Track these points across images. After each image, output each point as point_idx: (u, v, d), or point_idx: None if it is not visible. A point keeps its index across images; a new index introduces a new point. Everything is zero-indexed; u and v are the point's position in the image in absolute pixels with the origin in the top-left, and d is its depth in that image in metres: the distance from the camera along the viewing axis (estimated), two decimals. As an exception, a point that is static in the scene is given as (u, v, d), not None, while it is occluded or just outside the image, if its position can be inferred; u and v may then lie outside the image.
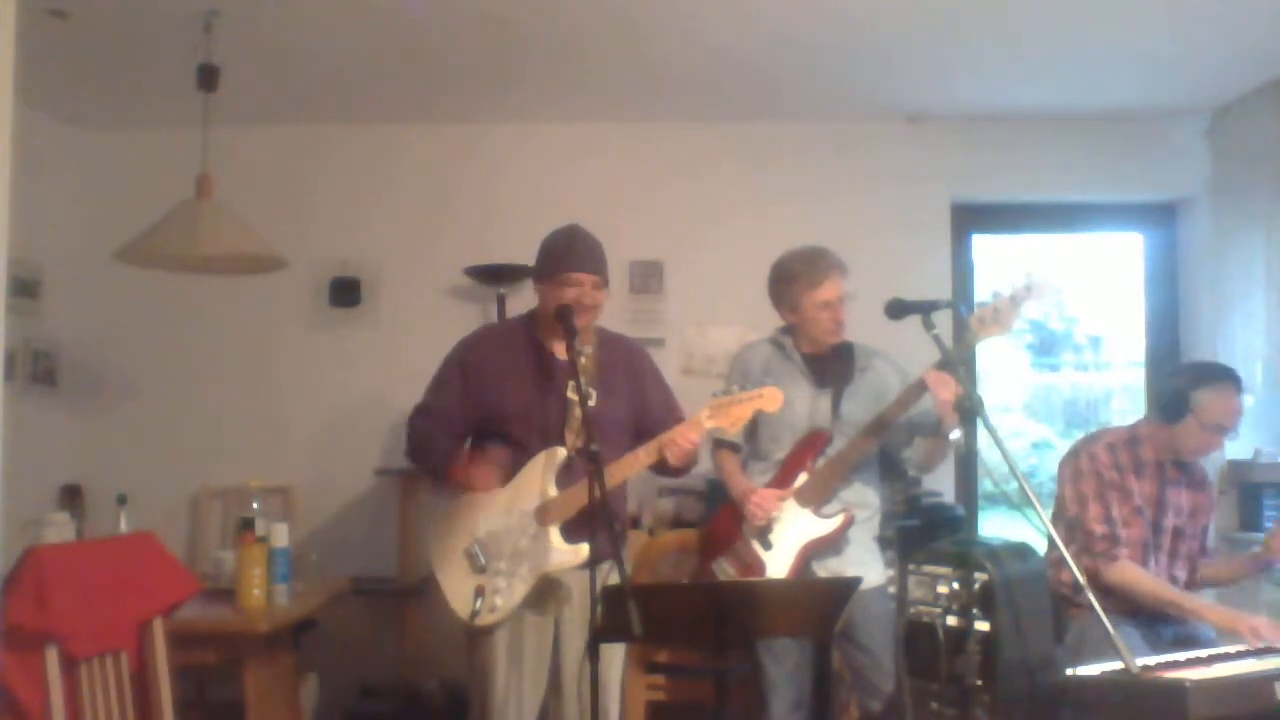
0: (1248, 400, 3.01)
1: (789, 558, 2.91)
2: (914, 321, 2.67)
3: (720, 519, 3.10)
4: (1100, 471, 2.92)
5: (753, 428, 3.03)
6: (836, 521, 2.92)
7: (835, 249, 3.16)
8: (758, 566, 2.93)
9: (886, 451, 3.09)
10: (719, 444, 3.10)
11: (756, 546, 2.95)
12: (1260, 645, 2.56)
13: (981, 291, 4.83)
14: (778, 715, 2.96)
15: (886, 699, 2.87)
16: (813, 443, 2.97)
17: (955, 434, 2.73)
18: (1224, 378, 2.93)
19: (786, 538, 2.93)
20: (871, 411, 2.91)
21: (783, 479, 2.98)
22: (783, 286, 3.06)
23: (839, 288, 2.99)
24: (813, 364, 3.06)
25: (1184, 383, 2.93)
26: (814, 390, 3.02)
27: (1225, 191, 4.38)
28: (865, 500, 3.02)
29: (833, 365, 3.06)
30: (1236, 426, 2.90)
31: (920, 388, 2.77)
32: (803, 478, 2.95)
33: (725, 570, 3.00)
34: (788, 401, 2.95)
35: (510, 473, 2.70)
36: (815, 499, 2.93)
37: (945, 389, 2.68)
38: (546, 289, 2.74)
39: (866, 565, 2.94)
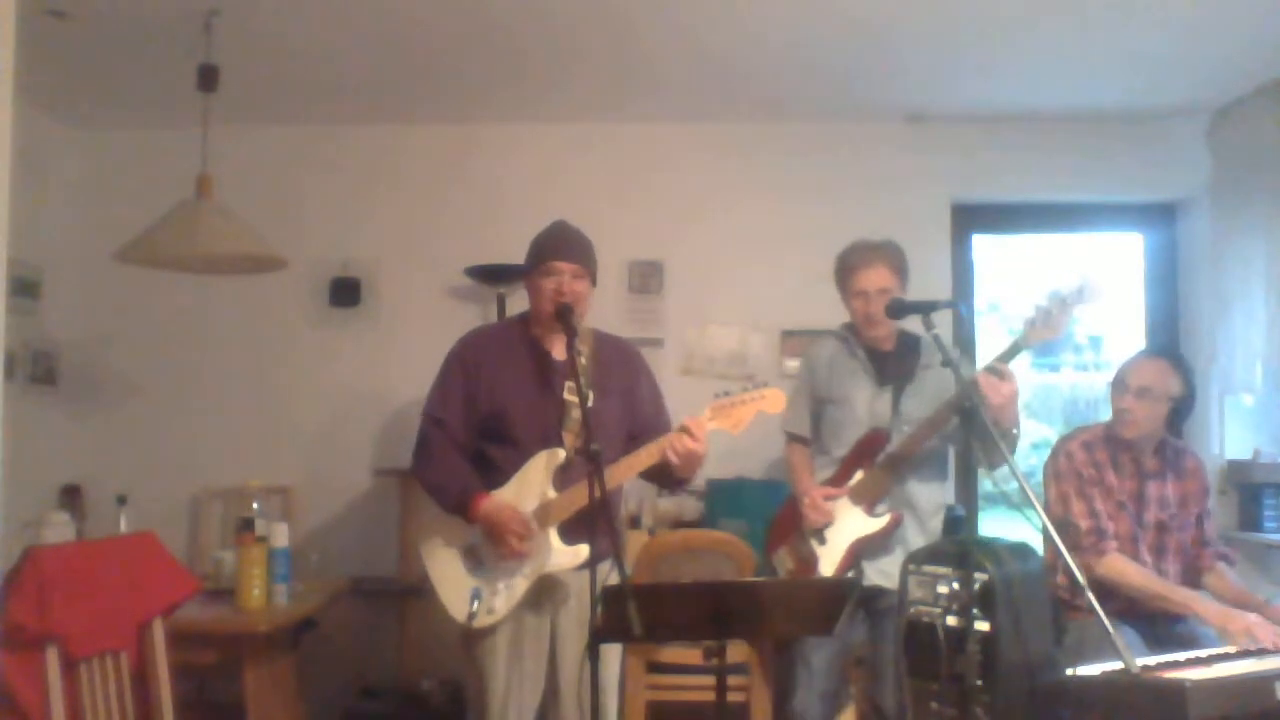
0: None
1: (839, 554, 2.96)
2: (913, 321, 2.68)
3: (785, 511, 3.15)
4: (1078, 469, 2.94)
5: (816, 423, 3.09)
6: (883, 521, 2.95)
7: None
8: (812, 561, 2.99)
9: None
10: (791, 437, 3.17)
11: (812, 541, 3.00)
12: (1253, 647, 2.55)
13: (982, 291, 4.83)
14: (802, 702, 2.98)
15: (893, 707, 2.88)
16: (871, 442, 2.99)
17: (1015, 430, 2.72)
18: (1148, 350, 3.04)
19: (838, 535, 2.98)
20: (932, 409, 2.90)
21: (840, 477, 3.02)
22: (836, 275, 3.13)
23: (877, 279, 3.00)
24: (876, 360, 3.07)
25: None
26: (875, 388, 3.04)
27: (1225, 191, 4.38)
28: (918, 502, 3.01)
29: (895, 362, 3.07)
30: (1146, 388, 2.89)
31: (951, 408, 2.78)
32: (859, 476, 2.98)
33: (783, 562, 3.08)
34: (849, 398, 3.00)
35: (509, 473, 2.69)
36: (868, 497, 2.96)
37: (995, 392, 2.67)
38: (531, 282, 2.74)
39: None
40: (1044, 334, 2.69)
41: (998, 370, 2.69)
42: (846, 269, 3.06)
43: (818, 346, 3.19)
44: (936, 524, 3.03)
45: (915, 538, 2.98)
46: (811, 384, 3.10)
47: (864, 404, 3.01)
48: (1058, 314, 2.66)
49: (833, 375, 3.06)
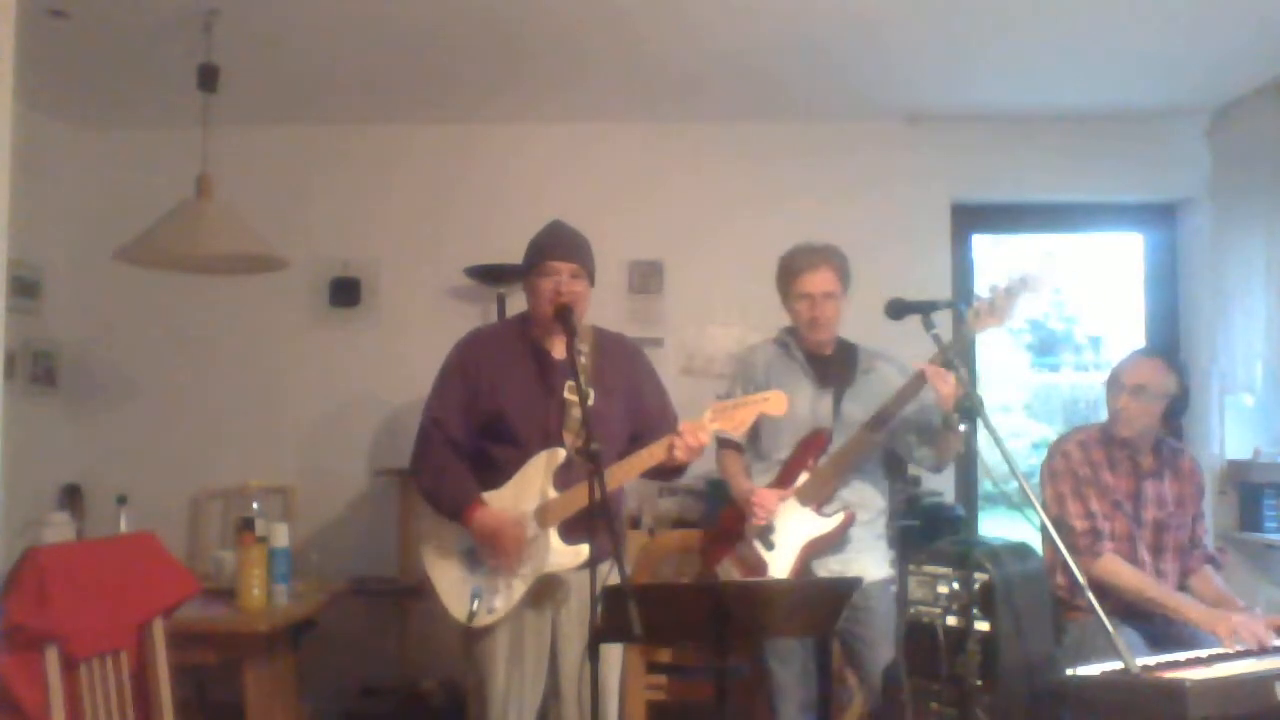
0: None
1: (791, 557, 2.91)
2: (914, 321, 2.67)
3: (723, 520, 3.09)
4: (1074, 469, 2.94)
5: (755, 428, 3.01)
6: (837, 520, 2.92)
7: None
8: (760, 567, 2.93)
9: (893, 452, 3.09)
10: (723, 444, 3.08)
11: (759, 547, 2.95)
12: (1239, 647, 2.55)
13: (982, 291, 4.83)
14: (786, 717, 2.96)
15: (880, 685, 2.88)
16: (813, 442, 2.97)
17: (963, 426, 2.72)
18: (1142, 350, 3.05)
19: (788, 537, 2.93)
20: (873, 413, 2.90)
21: (784, 479, 2.97)
22: (778, 278, 3.09)
23: (822, 282, 2.98)
24: (815, 364, 3.06)
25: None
26: (815, 390, 3.02)
27: (1225, 191, 4.38)
28: (868, 499, 3.01)
29: (835, 365, 3.06)
30: (1141, 386, 2.90)
31: (919, 381, 2.77)
32: (804, 477, 2.95)
33: (729, 571, 2.99)
34: (790, 401, 2.95)
35: (510, 473, 2.69)
36: (816, 497, 2.93)
37: (944, 383, 2.68)
38: (529, 283, 2.74)
39: (868, 562, 2.94)
40: (988, 321, 2.69)
41: (947, 361, 2.69)
42: (791, 272, 3.02)
43: (754, 352, 3.15)
44: (880, 524, 3.05)
45: (864, 536, 2.97)
46: (747, 389, 3.01)
47: (805, 406, 2.98)
48: (1001, 302, 2.67)
49: (771, 378, 3.00)
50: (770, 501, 2.91)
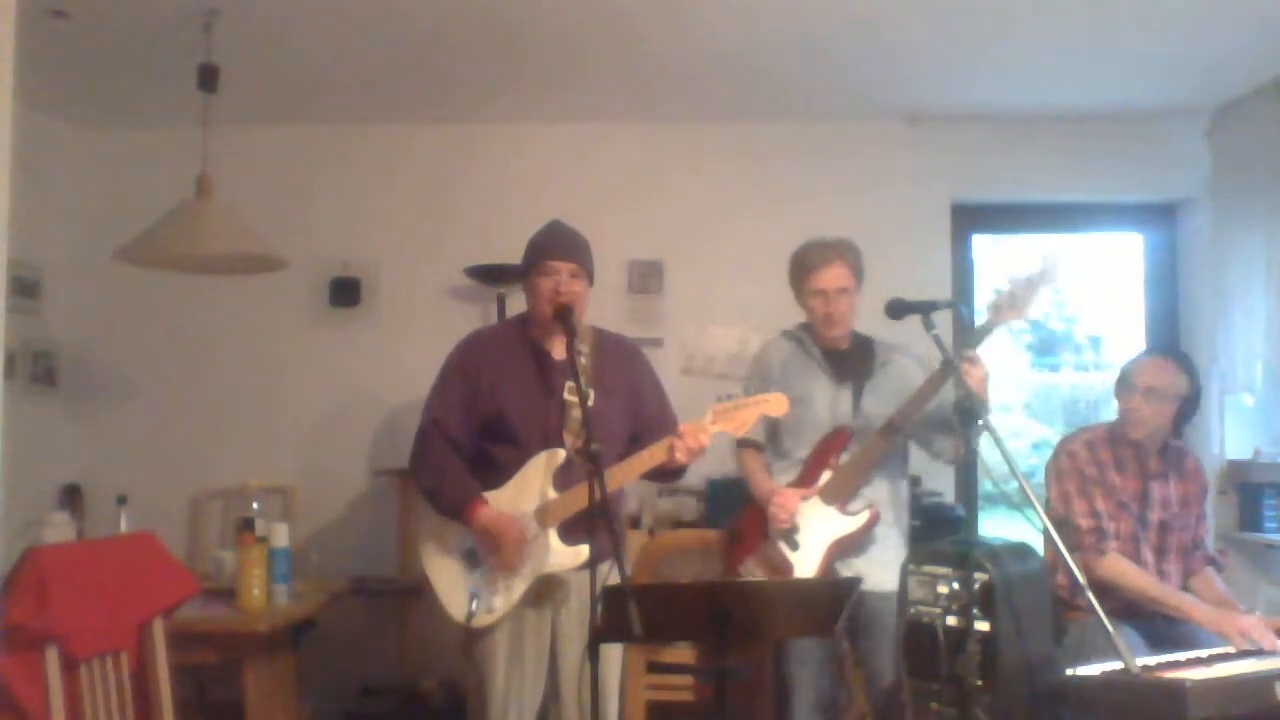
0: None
1: (816, 557, 2.88)
2: (914, 321, 2.67)
3: (745, 520, 3.05)
4: (1081, 468, 2.94)
5: (774, 426, 3.00)
6: (863, 518, 2.88)
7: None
8: (785, 568, 2.89)
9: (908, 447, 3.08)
10: (742, 442, 3.05)
11: (783, 547, 2.91)
12: (1248, 648, 2.55)
13: (982, 291, 4.83)
14: (800, 716, 2.95)
15: (881, 686, 2.88)
16: (835, 440, 2.94)
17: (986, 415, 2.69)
18: (1153, 350, 3.03)
19: (813, 537, 2.89)
20: (893, 406, 2.87)
21: (806, 477, 2.94)
22: (790, 275, 3.07)
23: (836, 278, 2.96)
24: (832, 359, 3.03)
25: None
26: (834, 386, 2.99)
27: (1225, 191, 4.38)
28: (890, 497, 2.98)
29: (852, 360, 3.03)
30: (1153, 388, 2.89)
31: (939, 379, 2.75)
32: (827, 475, 2.92)
33: (753, 572, 2.95)
34: (808, 398, 2.95)
35: (510, 473, 2.69)
36: (840, 496, 2.89)
37: (967, 377, 2.66)
38: (528, 283, 2.74)
39: (891, 566, 2.89)
40: (1009, 315, 2.69)
41: (967, 357, 2.68)
42: (804, 268, 3.00)
43: (770, 349, 3.13)
44: (903, 523, 3.03)
45: (888, 535, 2.95)
46: (765, 387, 2.95)
47: (824, 403, 2.97)
48: (1022, 295, 2.67)
49: (788, 376, 2.99)
50: (792, 502, 2.88)
